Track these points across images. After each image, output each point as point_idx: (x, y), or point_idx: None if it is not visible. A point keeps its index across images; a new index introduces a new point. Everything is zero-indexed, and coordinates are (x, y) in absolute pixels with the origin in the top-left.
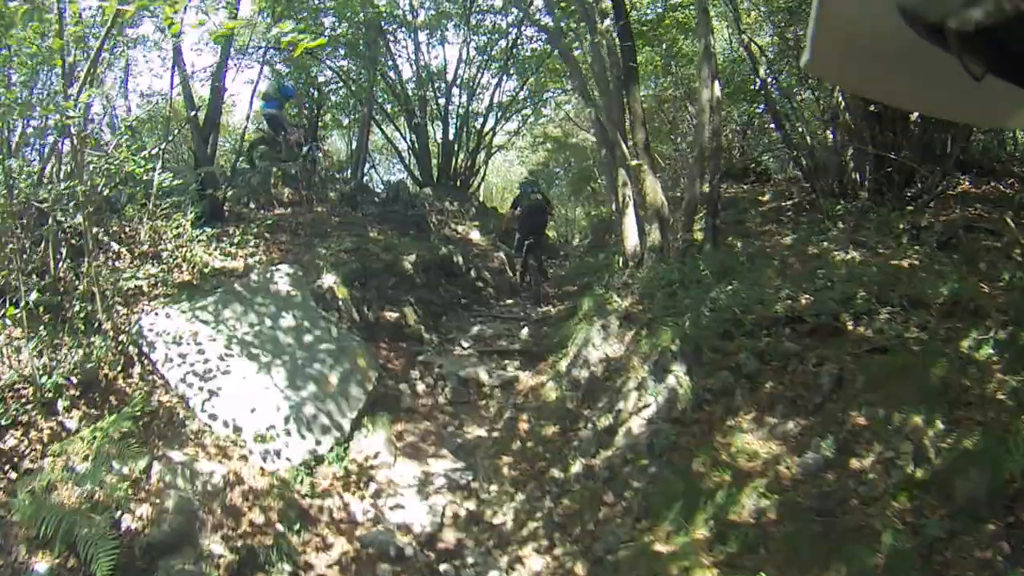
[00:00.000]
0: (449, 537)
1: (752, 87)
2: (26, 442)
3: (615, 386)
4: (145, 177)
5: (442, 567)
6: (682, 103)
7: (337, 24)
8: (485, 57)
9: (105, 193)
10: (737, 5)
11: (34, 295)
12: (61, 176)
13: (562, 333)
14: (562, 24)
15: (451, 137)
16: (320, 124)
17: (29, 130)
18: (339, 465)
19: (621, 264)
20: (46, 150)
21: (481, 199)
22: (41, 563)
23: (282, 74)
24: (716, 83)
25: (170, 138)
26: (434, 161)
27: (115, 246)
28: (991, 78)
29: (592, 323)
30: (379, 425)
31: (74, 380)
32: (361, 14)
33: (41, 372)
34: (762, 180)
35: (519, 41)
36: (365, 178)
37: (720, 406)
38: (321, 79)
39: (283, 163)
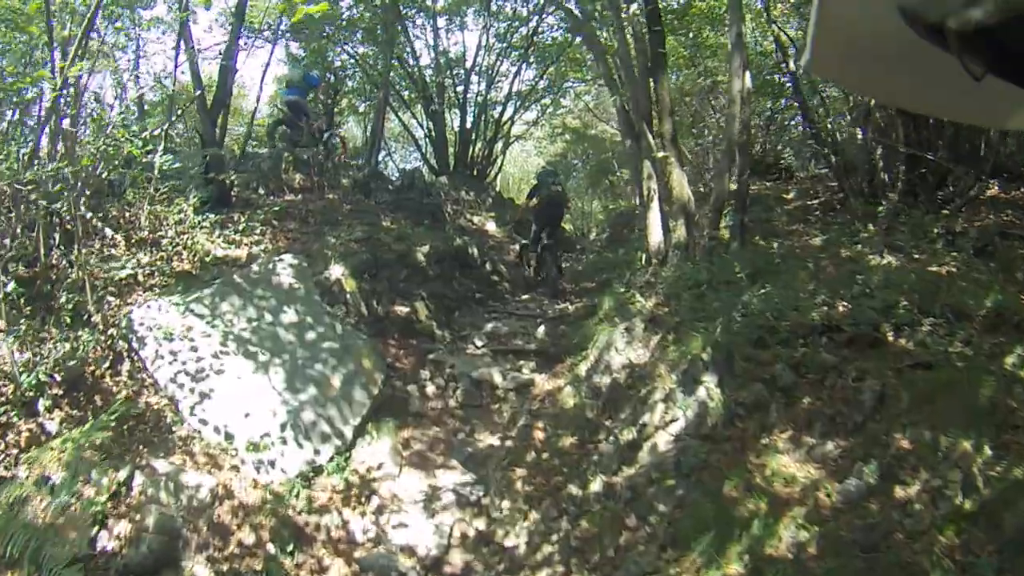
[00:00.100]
0: (456, 560)
1: (778, 81)
2: (1, 446)
3: (639, 396)
4: (144, 159)
5: None
6: (706, 95)
7: (355, 5)
8: (505, 44)
9: (104, 176)
10: None
11: (11, 285)
12: (56, 158)
13: (581, 333)
14: (587, 7)
15: (469, 125)
16: (336, 110)
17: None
18: (339, 476)
19: (644, 261)
20: (37, 129)
21: (498, 189)
22: None
23: (300, 60)
24: (747, 74)
25: (172, 119)
26: (451, 149)
27: (109, 232)
28: (991, 78)
29: (615, 325)
30: (384, 432)
31: (58, 377)
32: None
33: (22, 368)
34: (785, 177)
35: (540, 29)
36: (380, 165)
37: (753, 422)
38: (337, 64)
39: (303, 148)
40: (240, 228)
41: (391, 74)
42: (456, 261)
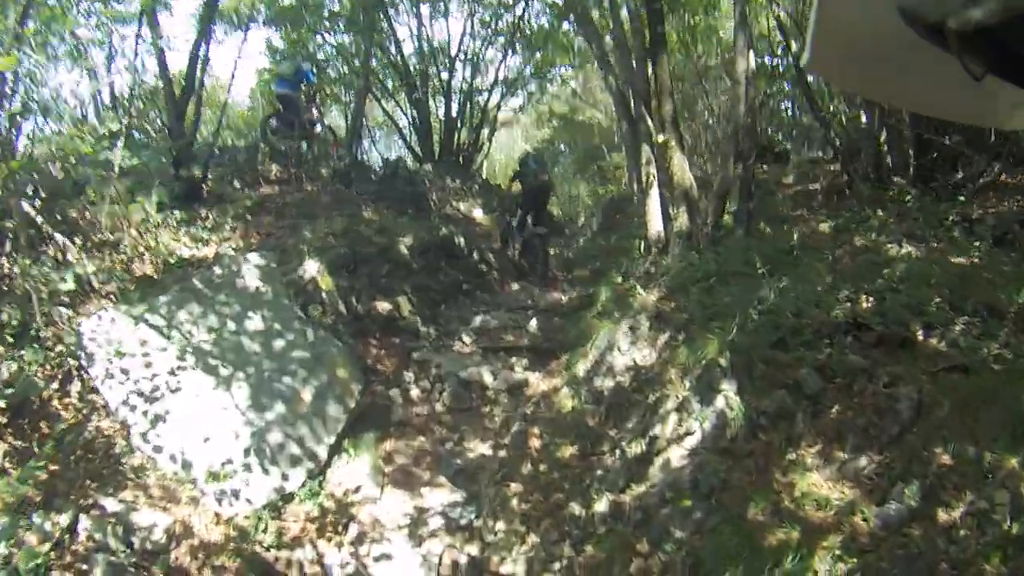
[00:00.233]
0: None
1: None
2: None
3: (647, 403)
4: (99, 157)
5: None
6: (699, 80)
7: None
8: (490, 31)
9: (59, 176)
10: None
11: None
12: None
13: (577, 328)
14: None
15: (454, 113)
16: (318, 100)
17: None
18: (313, 503)
19: (643, 250)
20: None
21: (484, 176)
22: None
23: (282, 51)
24: (751, 54)
25: (133, 112)
26: (436, 137)
27: (59, 237)
28: (991, 78)
29: (615, 321)
30: (363, 448)
31: (1, 404)
32: None
33: None
34: (781, 160)
35: (526, 15)
36: (364, 155)
37: (778, 434)
38: (320, 56)
39: (296, 141)
40: (208, 225)
41: (374, 63)
42: (442, 251)
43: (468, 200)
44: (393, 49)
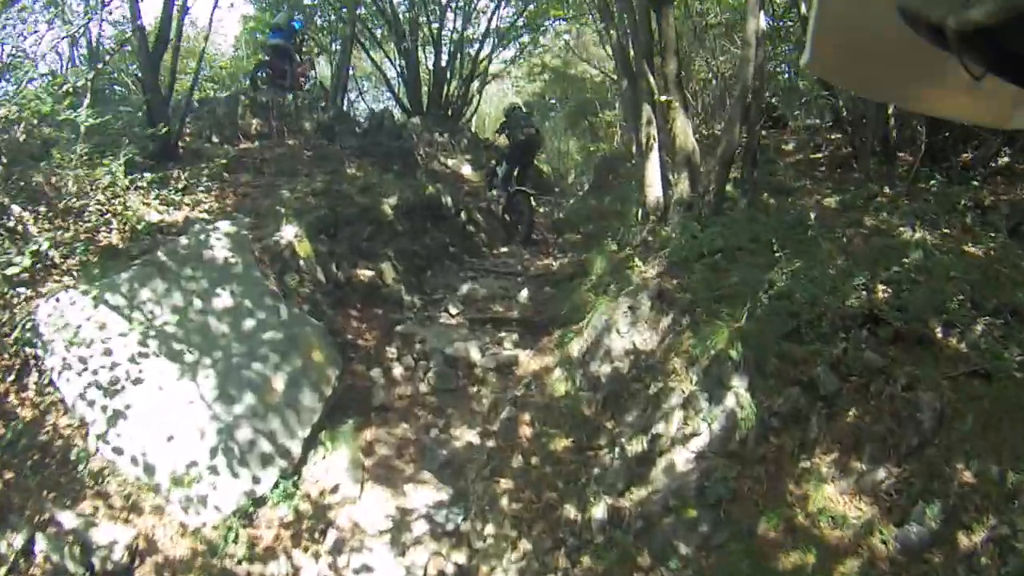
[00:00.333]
0: None
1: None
2: None
3: (648, 394)
4: (59, 116)
5: None
6: (696, 39)
7: None
8: None
9: (22, 139)
10: None
11: None
12: None
13: (570, 300)
14: None
15: (443, 64)
16: (305, 50)
17: None
18: (287, 505)
19: (640, 217)
20: None
21: (474, 130)
22: None
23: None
24: (762, 14)
25: (99, 65)
26: (424, 89)
27: (16, 209)
28: (991, 78)
29: (614, 298)
30: (341, 440)
31: None
32: None
33: None
34: (779, 126)
35: None
36: (352, 107)
37: (791, 437)
38: (307, 1)
39: (286, 92)
40: (180, 187)
41: (361, 10)
42: (428, 212)
43: (456, 156)
44: None
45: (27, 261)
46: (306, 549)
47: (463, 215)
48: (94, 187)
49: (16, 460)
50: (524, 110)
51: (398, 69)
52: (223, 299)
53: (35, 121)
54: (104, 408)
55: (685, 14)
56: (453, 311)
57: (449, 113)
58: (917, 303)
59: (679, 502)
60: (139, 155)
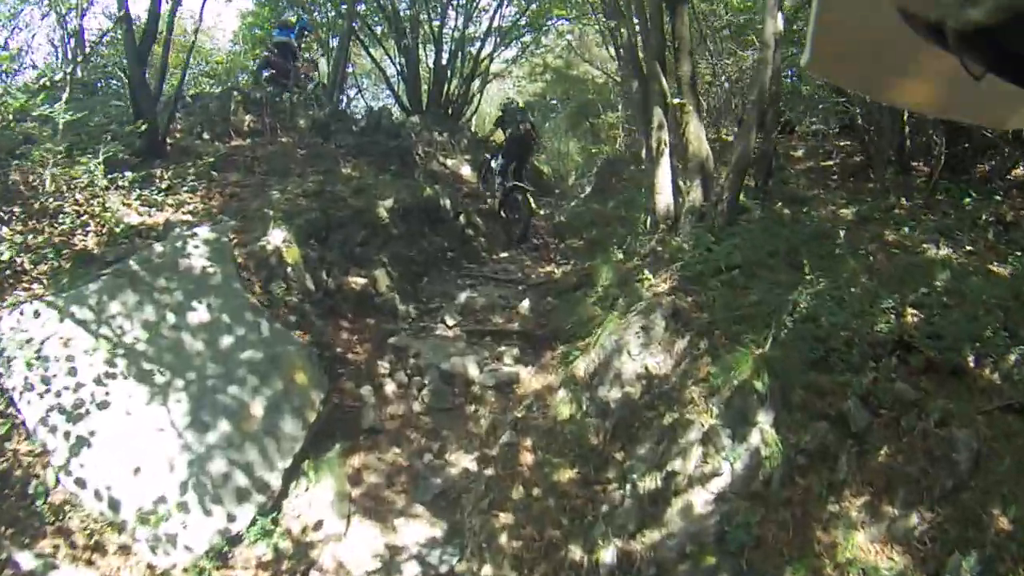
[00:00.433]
0: None
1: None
2: None
3: (663, 425)
4: (36, 112)
5: None
6: (703, 41)
7: None
8: None
9: None
10: None
11: None
12: None
13: (575, 313)
14: None
15: (444, 62)
16: (303, 47)
17: None
18: (265, 544)
19: (648, 225)
20: None
21: (474, 130)
22: None
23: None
24: (780, 15)
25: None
26: (424, 87)
27: None
28: (991, 78)
29: (623, 314)
30: (325, 469)
31: None
32: None
33: None
34: (786, 132)
35: None
36: (350, 104)
37: (818, 478)
38: None
39: (288, 91)
40: (163, 186)
41: (361, 6)
42: (425, 215)
43: (456, 156)
44: None
45: None
46: None
47: (462, 218)
48: (71, 186)
49: None
50: (519, 104)
51: (398, 67)
52: (199, 313)
53: (9, 116)
54: (67, 434)
55: (692, 16)
56: (450, 322)
57: (449, 112)
58: (950, 330)
59: (697, 548)
60: (124, 152)
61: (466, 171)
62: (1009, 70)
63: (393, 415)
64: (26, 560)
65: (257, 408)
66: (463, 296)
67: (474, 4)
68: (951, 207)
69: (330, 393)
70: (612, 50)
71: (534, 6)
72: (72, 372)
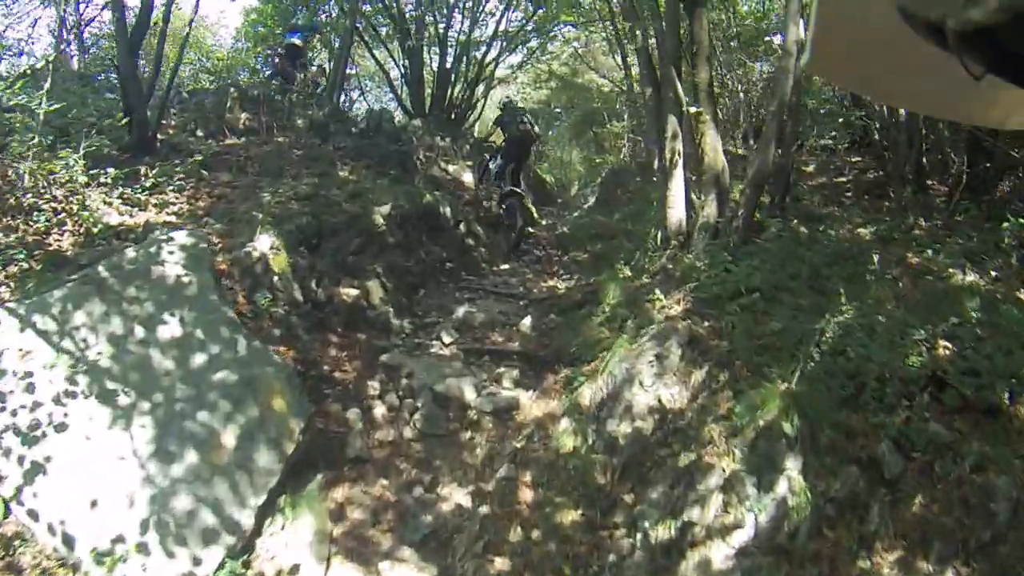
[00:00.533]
0: None
1: None
2: None
3: (678, 467)
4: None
5: None
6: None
7: None
8: None
9: None
10: None
11: None
12: None
13: (580, 333)
14: None
15: (448, 66)
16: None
17: None
18: None
19: (659, 240)
20: None
21: (477, 135)
22: None
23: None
24: (803, 21)
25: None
26: (427, 91)
27: None
28: (991, 78)
29: (633, 339)
30: (304, 505)
31: None
32: None
33: None
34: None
35: None
36: (352, 106)
37: (848, 530)
38: None
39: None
40: (147, 184)
41: (366, 6)
42: (424, 223)
43: (458, 162)
44: None
45: None
46: None
47: (462, 227)
48: (50, 182)
49: None
50: (518, 104)
51: (401, 69)
52: (170, 327)
53: None
54: (20, 459)
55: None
56: (447, 339)
57: (452, 116)
58: (984, 364)
59: None
60: (111, 147)
61: (468, 178)
62: (1009, 70)
63: (382, 442)
64: None
65: (229, 438)
66: (461, 311)
67: (480, 7)
68: (972, 228)
69: (313, 417)
70: (619, 59)
71: (541, 11)
72: (30, 389)
